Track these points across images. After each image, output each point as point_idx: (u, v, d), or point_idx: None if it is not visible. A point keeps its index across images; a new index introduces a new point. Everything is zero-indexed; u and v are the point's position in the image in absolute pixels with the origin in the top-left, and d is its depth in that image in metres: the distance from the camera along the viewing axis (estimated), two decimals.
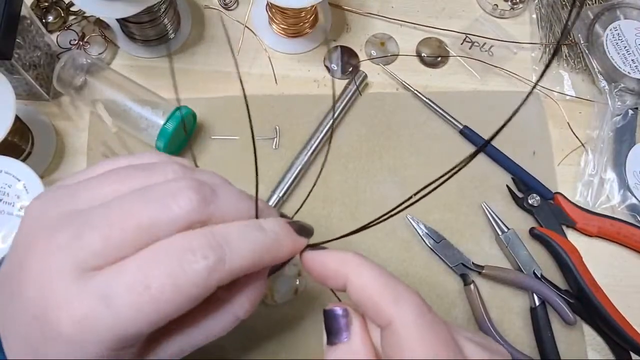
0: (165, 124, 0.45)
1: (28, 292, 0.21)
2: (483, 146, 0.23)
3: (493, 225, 0.49)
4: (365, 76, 0.53)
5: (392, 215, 0.25)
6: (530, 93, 0.22)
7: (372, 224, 0.26)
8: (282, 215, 0.28)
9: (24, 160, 0.47)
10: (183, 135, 0.49)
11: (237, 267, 0.22)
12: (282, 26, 0.54)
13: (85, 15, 0.54)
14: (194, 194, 0.22)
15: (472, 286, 0.46)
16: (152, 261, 0.21)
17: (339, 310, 0.25)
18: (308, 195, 0.31)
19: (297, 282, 0.44)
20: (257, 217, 0.25)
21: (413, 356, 0.22)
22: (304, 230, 0.26)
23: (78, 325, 0.20)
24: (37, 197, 0.24)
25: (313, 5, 0.49)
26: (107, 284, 0.21)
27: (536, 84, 0.23)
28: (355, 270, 0.24)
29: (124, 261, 0.21)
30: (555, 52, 0.56)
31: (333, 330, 0.24)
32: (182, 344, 0.25)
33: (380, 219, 0.26)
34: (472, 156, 0.22)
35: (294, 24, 0.53)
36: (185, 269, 0.21)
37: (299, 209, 0.31)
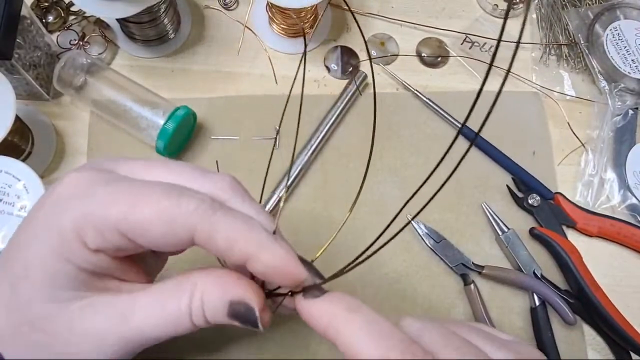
0: (165, 124, 0.45)
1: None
2: (474, 139, 0.23)
3: (493, 225, 0.49)
4: (365, 76, 0.53)
5: (392, 220, 0.25)
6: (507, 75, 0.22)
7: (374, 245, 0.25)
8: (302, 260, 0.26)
9: (24, 160, 0.47)
10: (183, 135, 0.49)
11: (218, 231, 0.23)
12: (282, 26, 0.54)
13: (85, 15, 0.54)
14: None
15: (472, 286, 0.46)
16: (157, 183, 0.24)
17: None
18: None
19: None
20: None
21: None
22: (308, 264, 0.25)
23: (77, 184, 0.24)
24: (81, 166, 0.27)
25: (313, 5, 0.49)
26: (107, 186, 0.24)
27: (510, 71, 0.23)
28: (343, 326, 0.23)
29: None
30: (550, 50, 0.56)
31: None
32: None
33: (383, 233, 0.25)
34: (465, 152, 0.22)
35: (294, 24, 0.53)
36: (180, 199, 0.23)
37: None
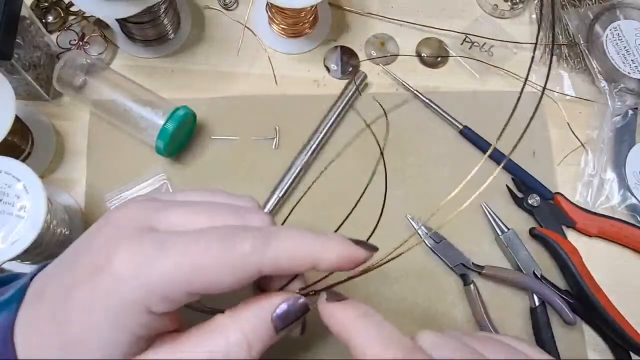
0: (165, 124, 0.45)
1: (93, 244, 0.25)
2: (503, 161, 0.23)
3: (493, 226, 0.49)
4: (365, 76, 0.53)
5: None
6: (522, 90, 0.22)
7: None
8: None
9: (24, 160, 0.47)
10: (183, 135, 0.49)
11: (282, 255, 0.24)
12: (282, 26, 0.54)
13: (85, 15, 0.54)
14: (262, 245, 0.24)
15: (472, 286, 0.46)
16: (209, 232, 0.24)
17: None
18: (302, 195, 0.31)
19: None
20: None
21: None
22: (363, 243, 0.27)
23: (131, 263, 0.23)
24: (135, 201, 0.27)
25: (313, 5, 0.49)
26: (166, 237, 0.24)
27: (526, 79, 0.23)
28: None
29: (186, 230, 0.25)
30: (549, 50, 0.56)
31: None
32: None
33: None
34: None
35: (294, 24, 0.53)
36: (235, 242, 0.24)
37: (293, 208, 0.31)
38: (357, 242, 0.26)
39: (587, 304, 0.46)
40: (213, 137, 0.51)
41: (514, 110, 0.21)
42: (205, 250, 0.23)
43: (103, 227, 0.26)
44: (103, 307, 0.23)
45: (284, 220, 0.39)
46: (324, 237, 0.25)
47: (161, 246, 0.24)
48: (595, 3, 0.58)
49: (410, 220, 0.48)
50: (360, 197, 0.30)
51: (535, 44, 0.57)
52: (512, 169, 0.51)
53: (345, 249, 0.25)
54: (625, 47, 0.55)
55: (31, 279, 0.26)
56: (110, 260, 0.23)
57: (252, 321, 0.25)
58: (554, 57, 0.57)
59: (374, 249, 0.27)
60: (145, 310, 0.23)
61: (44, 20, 0.54)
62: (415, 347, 0.24)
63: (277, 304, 0.25)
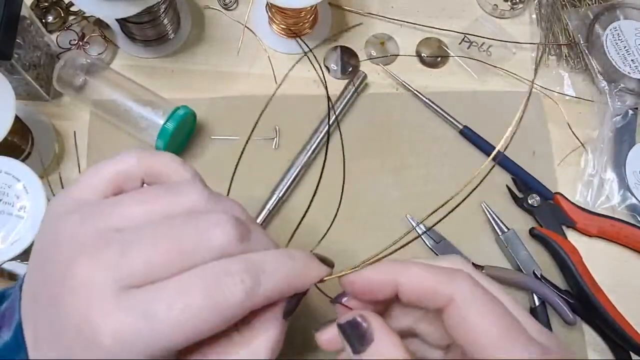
0: (165, 123, 0.45)
1: (71, 303, 0.22)
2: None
3: (493, 225, 0.49)
4: (365, 76, 0.53)
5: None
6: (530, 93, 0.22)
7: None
8: None
9: (23, 160, 0.47)
10: (183, 135, 0.49)
11: (271, 292, 0.24)
12: (282, 26, 0.54)
13: (85, 15, 0.54)
14: (233, 229, 0.24)
15: None
16: (192, 283, 0.22)
17: (357, 318, 0.26)
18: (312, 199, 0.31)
19: None
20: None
21: (478, 323, 0.24)
22: (325, 260, 0.28)
23: (119, 338, 0.21)
24: (68, 212, 0.25)
25: (313, 5, 0.49)
26: (148, 301, 0.22)
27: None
28: (403, 272, 0.26)
29: (164, 281, 0.22)
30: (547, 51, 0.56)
31: (358, 337, 0.25)
32: None
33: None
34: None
35: (294, 24, 0.53)
36: (224, 292, 0.22)
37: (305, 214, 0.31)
38: (322, 260, 0.27)
39: (587, 304, 0.46)
40: (213, 137, 0.51)
41: (522, 114, 0.21)
42: (192, 306, 0.22)
43: (59, 255, 0.23)
44: None
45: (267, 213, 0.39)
46: (302, 261, 0.25)
47: (144, 311, 0.21)
48: (595, 3, 0.58)
49: (410, 220, 0.48)
50: (315, 191, 0.30)
51: (544, 44, 0.56)
52: (512, 168, 0.51)
53: (322, 272, 0.26)
54: (625, 47, 0.55)
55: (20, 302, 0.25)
56: (95, 333, 0.21)
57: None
58: (554, 57, 0.57)
59: (332, 264, 0.28)
60: None
61: (44, 20, 0.54)
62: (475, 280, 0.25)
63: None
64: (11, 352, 0.24)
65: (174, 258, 0.23)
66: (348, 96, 0.52)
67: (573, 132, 0.53)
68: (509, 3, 0.59)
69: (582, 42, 0.55)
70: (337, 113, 0.51)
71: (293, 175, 0.48)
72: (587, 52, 0.55)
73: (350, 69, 0.54)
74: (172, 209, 0.24)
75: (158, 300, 0.22)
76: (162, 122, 0.46)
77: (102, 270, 0.22)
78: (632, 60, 0.54)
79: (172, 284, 0.22)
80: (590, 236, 0.50)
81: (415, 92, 0.53)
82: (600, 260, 0.49)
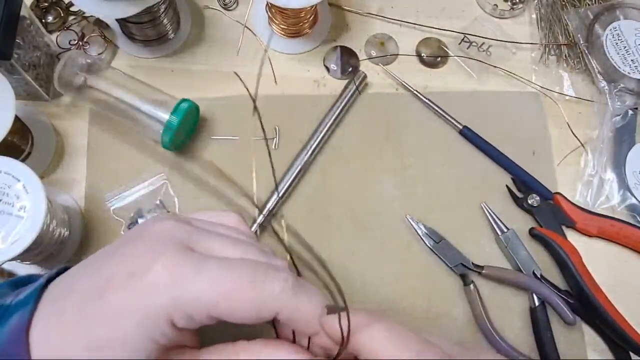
0: (170, 116, 0.45)
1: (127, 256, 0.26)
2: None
3: (493, 226, 0.49)
4: (365, 76, 0.53)
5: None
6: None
7: None
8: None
9: (23, 161, 0.47)
10: (187, 130, 0.49)
11: (303, 305, 0.26)
12: (282, 26, 0.54)
13: (84, 15, 0.54)
14: (290, 285, 0.26)
15: (472, 286, 0.46)
16: (242, 264, 0.26)
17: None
18: None
19: None
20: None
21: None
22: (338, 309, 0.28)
23: (170, 272, 0.24)
24: (171, 218, 0.28)
25: (313, 5, 0.49)
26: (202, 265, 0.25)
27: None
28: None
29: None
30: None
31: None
32: None
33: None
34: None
35: (294, 24, 0.53)
36: (266, 281, 0.25)
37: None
38: (333, 310, 0.28)
39: (587, 304, 0.46)
40: (213, 137, 0.51)
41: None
42: (238, 280, 0.25)
43: (140, 238, 0.27)
44: (134, 312, 0.24)
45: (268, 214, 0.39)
46: (332, 317, 0.26)
47: (199, 267, 0.25)
48: (595, 3, 0.58)
49: (410, 220, 0.48)
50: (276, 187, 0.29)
51: (544, 44, 0.56)
52: (512, 169, 0.51)
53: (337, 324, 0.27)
54: (625, 47, 0.55)
55: (47, 280, 0.27)
56: (149, 269, 0.25)
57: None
58: (554, 57, 0.57)
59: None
60: (169, 321, 0.24)
61: (43, 20, 0.54)
62: (428, 343, 0.26)
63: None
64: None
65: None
66: (348, 96, 0.52)
67: (573, 132, 0.53)
68: (509, 3, 0.59)
69: (582, 42, 0.55)
70: (337, 113, 0.51)
71: (293, 175, 0.48)
72: (587, 52, 0.55)
73: (350, 69, 0.54)
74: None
75: (213, 263, 0.25)
76: (166, 116, 0.45)
77: (176, 271, 0.25)
78: (632, 60, 0.54)
79: (228, 260, 0.26)
80: (590, 236, 0.50)
81: (415, 92, 0.53)
82: (600, 261, 0.49)
